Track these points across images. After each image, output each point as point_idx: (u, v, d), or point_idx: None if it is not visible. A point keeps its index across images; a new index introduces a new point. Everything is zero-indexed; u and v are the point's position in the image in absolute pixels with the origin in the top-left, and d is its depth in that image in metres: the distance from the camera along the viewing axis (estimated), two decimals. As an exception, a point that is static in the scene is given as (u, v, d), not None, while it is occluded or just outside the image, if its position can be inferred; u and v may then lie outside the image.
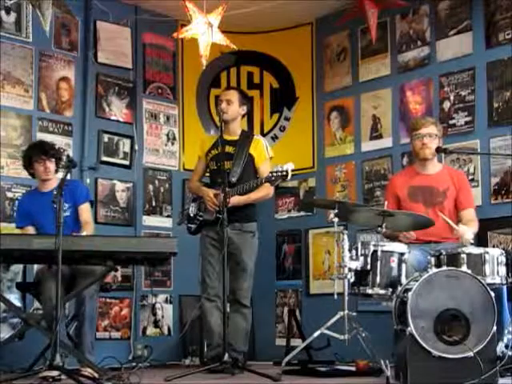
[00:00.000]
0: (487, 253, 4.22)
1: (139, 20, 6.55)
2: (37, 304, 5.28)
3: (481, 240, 5.17)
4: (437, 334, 3.85)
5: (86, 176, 6.08)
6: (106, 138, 6.28)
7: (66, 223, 4.37)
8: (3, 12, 5.76)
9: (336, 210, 4.63)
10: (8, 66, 5.75)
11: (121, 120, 6.41)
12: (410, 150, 5.21)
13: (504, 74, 5.58)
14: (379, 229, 4.52)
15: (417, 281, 3.96)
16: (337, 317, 4.47)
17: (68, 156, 5.42)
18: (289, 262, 6.81)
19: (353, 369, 4.85)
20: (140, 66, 6.58)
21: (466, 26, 5.84)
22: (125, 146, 6.39)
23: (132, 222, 6.38)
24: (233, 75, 7.10)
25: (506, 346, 4.13)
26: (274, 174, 4.76)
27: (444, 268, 4.02)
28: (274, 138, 7.02)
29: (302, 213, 6.76)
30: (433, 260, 4.21)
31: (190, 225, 5.35)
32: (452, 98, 5.88)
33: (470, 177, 5.58)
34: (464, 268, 4.07)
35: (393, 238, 4.79)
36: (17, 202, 5.48)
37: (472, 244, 4.37)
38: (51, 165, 5.01)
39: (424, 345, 3.83)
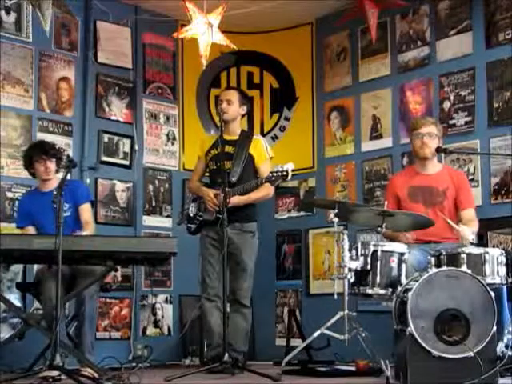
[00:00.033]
0: (487, 253, 4.22)
1: (139, 20, 6.55)
2: (37, 304, 5.28)
3: (480, 240, 5.17)
4: (437, 334, 3.85)
5: (86, 176, 6.08)
6: (105, 138, 6.29)
7: (66, 223, 4.37)
8: (3, 12, 5.76)
9: (336, 210, 4.63)
10: (8, 66, 5.75)
11: (121, 120, 6.41)
12: (410, 149, 5.21)
13: (504, 74, 5.58)
14: (379, 229, 4.52)
15: (417, 281, 3.96)
16: (337, 317, 4.47)
17: (68, 156, 5.42)
18: (289, 262, 6.81)
19: (353, 369, 4.85)
20: (140, 66, 6.59)
21: (466, 26, 5.84)
22: (125, 146, 6.39)
23: (132, 222, 6.38)
24: (233, 75, 7.11)
25: (506, 346, 4.13)
26: (275, 174, 4.76)
27: (444, 268, 4.02)
28: (274, 138, 7.02)
29: (302, 213, 6.76)
30: (433, 260, 4.21)
31: (189, 225, 5.35)
32: (452, 98, 5.88)
33: (470, 177, 5.58)
34: (464, 268, 4.06)
35: (393, 240, 4.78)
36: (17, 202, 5.49)
37: (473, 244, 4.37)
38: (52, 165, 5.01)
39: (424, 345, 3.83)
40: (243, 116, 5.48)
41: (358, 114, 6.48)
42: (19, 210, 5.22)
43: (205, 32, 5.66)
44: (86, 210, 5.08)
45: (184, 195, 6.59)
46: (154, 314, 6.39)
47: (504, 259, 4.25)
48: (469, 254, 4.17)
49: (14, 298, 5.46)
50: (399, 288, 4.23)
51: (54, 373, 4.19)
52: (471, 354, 3.81)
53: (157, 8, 6.52)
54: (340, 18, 6.29)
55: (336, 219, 4.62)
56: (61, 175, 4.83)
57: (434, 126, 4.94)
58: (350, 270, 4.42)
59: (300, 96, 6.96)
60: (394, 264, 4.44)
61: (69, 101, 6.12)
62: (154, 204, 6.53)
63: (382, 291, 4.43)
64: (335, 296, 4.50)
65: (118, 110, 6.39)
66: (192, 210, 5.33)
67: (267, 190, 5.17)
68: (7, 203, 5.65)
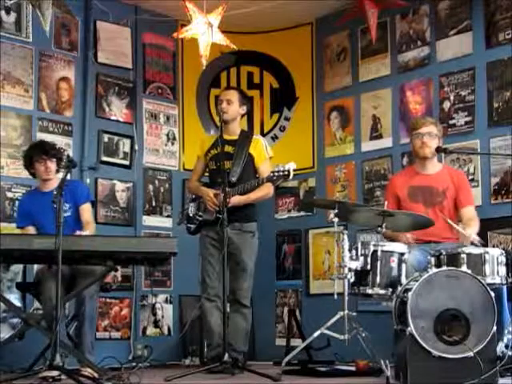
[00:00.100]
0: (487, 253, 4.22)
1: (139, 20, 6.55)
2: (37, 304, 5.28)
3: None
4: (437, 334, 3.85)
5: (86, 176, 6.08)
6: (106, 138, 6.29)
7: (66, 223, 4.37)
8: (3, 12, 5.76)
9: (336, 210, 4.63)
10: (8, 66, 5.75)
11: (121, 120, 6.41)
12: (410, 149, 5.21)
13: (504, 74, 5.58)
14: (379, 229, 4.52)
15: (417, 281, 3.96)
16: (337, 317, 4.47)
17: (68, 156, 5.42)
18: (289, 262, 6.81)
19: (353, 369, 4.85)
20: (140, 66, 6.59)
21: (466, 26, 5.84)
22: (125, 146, 6.39)
23: (132, 222, 6.38)
24: (233, 75, 7.11)
25: (506, 346, 4.13)
26: (276, 174, 4.76)
27: (444, 268, 4.02)
28: (274, 138, 7.02)
29: (302, 213, 6.76)
30: (433, 260, 4.20)
31: (189, 225, 5.35)
32: (452, 98, 5.88)
33: (470, 177, 5.58)
34: (464, 268, 4.06)
35: (393, 240, 4.78)
36: (17, 202, 5.49)
37: (481, 245, 4.40)
38: (52, 165, 5.01)
39: (424, 345, 3.83)
40: (243, 116, 5.48)
41: (358, 114, 6.48)
42: (19, 210, 5.22)
43: (205, 32, 5.67)
44: (86, 210, 5.08)
45: (184, 195, 6.58)
46: (154, 314, 6.38)
47: (504, 259, 4.25)
48: (469, 254, 4.17)
49: (14, 298, 5.46)
50: (399, 288, 4.23)
51: (54, 373, 4.19)
52: (471, 353, 3.81)
53: (157, 8, 6.52)
54: (340, 18, 6.29)
55: (336, 219, 4.62)
56: (61, 175, 4.83)
57: (434, 126, 4.94)
58: (350, 270, 4.42)
59: (300, 96, 6.96)
60: (394, 264, 4.44)
61: (69, 101, 6.12)
62: (154, 204, 6.53)
63: (382, 291, 4.43)
64: (335, 296, 4.49)
65: (117, 110, 6.39)
66: (191, 209, 5.33)
67: (267, 190, 5.17)
68: (7, 203, 5.65)
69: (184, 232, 5.39)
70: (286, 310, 6.66)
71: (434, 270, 4.01)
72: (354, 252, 4.48)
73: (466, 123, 5.77)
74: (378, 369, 4.34)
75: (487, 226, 5.31)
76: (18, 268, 5.57)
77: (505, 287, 4.34)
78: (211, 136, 6.05)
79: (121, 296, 6.16)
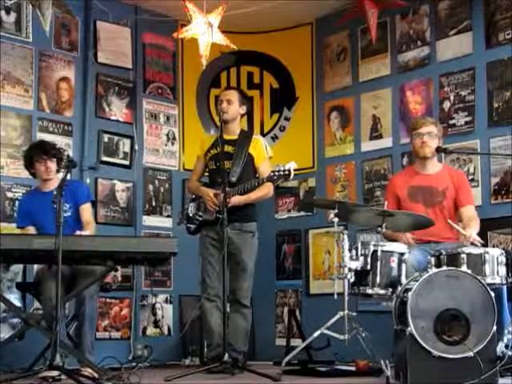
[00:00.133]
0: (487, 253, 4.22)
1: (139, 20, 6.55)
2: (37, 304, 5.28)
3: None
4: (437, 334, 3.85)
5: (85, 176, 6.08)
6: (106, 137, 6.29)
7: (66, 223, 4.38)
8: (3, 12, 5.76)
9: (336, 210, 4.63)
10: (8, 66, 5.75)
11: (121, 120, 6.41)
12: (410, 149, 5.21)
13: (504, 74, 5.58)
14: (379, 229, 4.52)
15: (417, 281, 3.96)
16: (337, 317, 4.47)
17: (68, 156, 5.42)
18: (289, 262, 6.81)
19: (353, 369, 4.85)
20: (140, 66, 6.59)
21: (466, 26, 5.84)
22: (125, 145, 6.39)
23: (132, 222, 6.38)
24: (233, 75, 7.11)
25: (506, 346, 4.13)
26: (277, 173, 4.76)
27: (444, 268, 4.02)
28: (274, 138, 7.02)
29: (302, 213, 6.76)
30: (433, 260, 4.20)
31: (189, 225, 5.35)
32: (452, 98, 5.88)
33: (470, 177, 5.58)
34: (464, 268, 4.06)
35: (393, 240, 4.78)
36: (17, 202, 5.49)
37: (481, 244, 4.40)
38: (52, 165, 5.01)
39: (424, 345, 3.83)
40: (243, 116, 5.48)
41: (358, 114, 6.48)
42: (19, 210, 5.22)
43: (205, 32, 5.67)
44: (86, 210, 5.08)
45: (184, 195, 6.58)
46: (154, 314, 6.38)
47: (504, 259, 4.25)
48: (469, 254, 4.17)
49: (14, 298, 5.46)
50: (399, 288, 4.23)
51: (54, 373, 4.19)
52: (471, 353, 3.81)
53: (157, 8, 6.52)
54: (340, 18, 6.29)
55: (336, 219, 4.62)
56: (61, 175, 4.83)
57: (434, 126, 4.94)
58: (350, 270, 4.42)
59: (300, 96, 6.96)
60: (394, 264, 4.44)
61: (69, 101, 6.12)
62: (154, 204, 6.53)
63: (382, 291, 4.43)
64: (335, 296, 4.50)
65: (118, 109, 6.39)
66: (191, 209, 5.33)
67: (267, 190, 5.17)
68: (7, 203, 5.65)
69: (184, 232, 5.39)
70: (285, 309, 6.66)
71: (434, 270, 4.01)
72: (353, 252, 4.48)
73: (466, 123, 5.77)
74: (378, 369, 4.34)
75: (487, 226, 5.31)
76: (18, 268, 5.57)
77: (505, 287, 4.34)
78: (211, 136, 6.05)
79: (121, 296, 6.16)
